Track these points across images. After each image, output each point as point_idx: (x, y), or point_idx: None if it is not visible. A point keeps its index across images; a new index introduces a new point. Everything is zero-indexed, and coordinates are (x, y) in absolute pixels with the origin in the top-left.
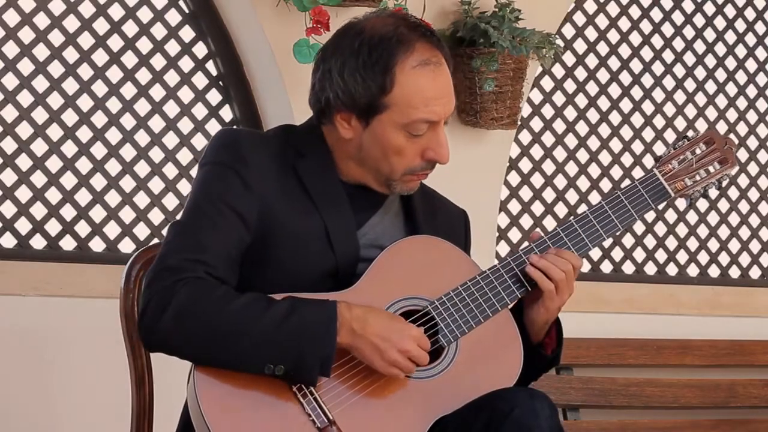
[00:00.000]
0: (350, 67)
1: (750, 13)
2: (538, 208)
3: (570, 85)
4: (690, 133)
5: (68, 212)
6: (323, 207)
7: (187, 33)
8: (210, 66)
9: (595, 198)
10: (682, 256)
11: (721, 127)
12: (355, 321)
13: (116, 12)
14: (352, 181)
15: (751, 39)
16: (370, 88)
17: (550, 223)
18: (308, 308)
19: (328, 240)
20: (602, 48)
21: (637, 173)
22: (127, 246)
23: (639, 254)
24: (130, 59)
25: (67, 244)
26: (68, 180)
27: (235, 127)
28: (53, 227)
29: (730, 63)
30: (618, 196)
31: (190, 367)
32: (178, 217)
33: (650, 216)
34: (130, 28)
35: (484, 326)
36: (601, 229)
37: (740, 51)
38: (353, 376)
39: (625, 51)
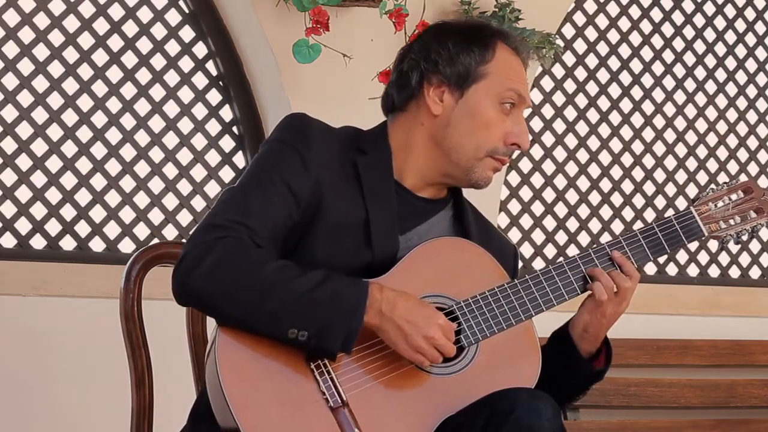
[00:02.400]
0: (453, 40)
1: (750, 13)
2: (538, 208)
3: (570, 85)
4: (727, 180)
5: (68, 212)
6: (372, 204)
7: (187, 33)
8: (210, 66)
9: (595, 198)
10: (682, 256)
11: (721, 127)
12: (385, 302)
13: (116, 12)
14: (411, 185)
15: (751, 39)
16: (473, 55)
17: (550, 223)
18: (341, 281)
19: (368, 236)
20: (602, 48)
21: (637, 173)
22: (127, 246)
23: None
24: (130, 59)
25: (67, 244)
26: (68, 180)
27: (305, 114)
28: (53, 227)
29: (730, 63)
30: (652, 228)
31: (210, 346)
32: (235, 183)
33: (650, 216)
34: (130, 28)
35: (507, 334)
36: (632, 257)
37: (740, 51)
38: (373, 361)
39: (625, 51)
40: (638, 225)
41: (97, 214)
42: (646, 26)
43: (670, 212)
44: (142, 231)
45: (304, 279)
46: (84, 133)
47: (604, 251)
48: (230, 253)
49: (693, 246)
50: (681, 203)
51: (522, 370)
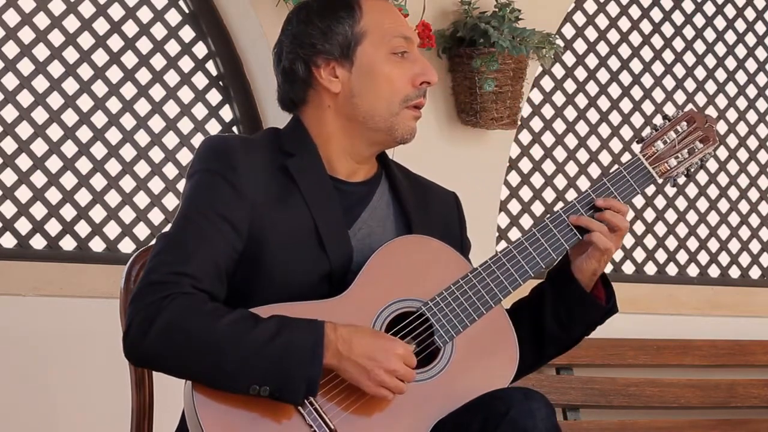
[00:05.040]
0: (317, 16)
1: (750, 13)
2: (538, 208)
3: (570, 85)
4: (670, 112)
5: (68, 212)
6: (315, 208)
7: (187, 33)
8: (210, 66)
9: None
10: (682, 256)
11: (721, 128)
12: (341, 342)
13: (116, 12)
14: (345, 174)
15: (751, 39)
16: (343, 20)
17: None
18: (295, 328)
19: (321, 243)
20: (602, 48)
21: None
22: (127, 246)
23: (639, 254)
24: (130, 59)
25: (67, 244)
26: (68, 180)
27: (219, 133)
28: (53, 227)
29: (730, 63)
30: (604, 184)
31: (186, 399)
32: (167, 228)
33: (650, 216)
34: (130, 28)
35: (479, 324)
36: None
37: (740, 51)
38: (350, 385)
39: (625, 51)
40: (637, 224)
41: (97, 214)
42: (646, 26)
43: (670, 213)
44: (142, 231)
45: (258, 331)
46: (84, 133)
47: (560, 219)
48: (178, 315)
49: (693, 246)
50: (681, 203)
51: (501, 357)
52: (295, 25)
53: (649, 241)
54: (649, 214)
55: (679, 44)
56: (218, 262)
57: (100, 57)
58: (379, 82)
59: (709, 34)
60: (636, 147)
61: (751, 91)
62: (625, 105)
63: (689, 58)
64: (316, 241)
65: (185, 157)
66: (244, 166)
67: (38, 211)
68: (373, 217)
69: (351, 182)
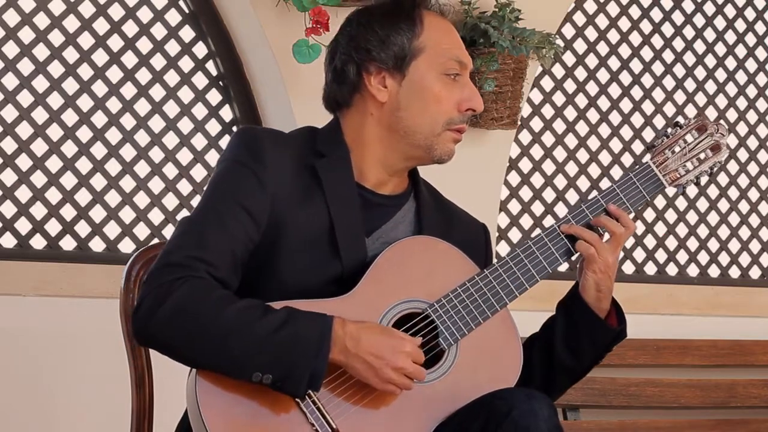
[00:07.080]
0: (378, 23)
1: (750, 13)
2: (538, 208)
3: (570, 85)
4: (681, 120)
5: (68, 212)
6: (335, 209)
7: (187, 33)
8: (210, 66)
9: None
10: (682, 256)
11: None
12: (348, 338)
13: (116, 12)
14: (374, 183)
15: (751, 39)
16: (402, 32)
17: (550, 223)
18: (303, 321)
19: (335, 245)
20: (602, 48)
21: None
22: (127, 246)
23: (639, 254)
24: (130, 59)
25: (67, 244)
26: (68, 180)
27: (256, 126)
28: (53, 227)
29: (730, 63)
30: (614, 190)
31: (189, 371)
32: (190, 212)
33: (650, 216)
34: (130, 28)
35: (484, 327)
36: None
37: (740, 51)
38: (355, 384)
39: (625, 51)
40: (638, 225)
41: (97, 214)
42: (646, 26)
43: (670, 213)
44: (142, 231)
45: (266, 320)
46: (84, 133)
47: (570, 223)
48: (189, 298)
49: (693, 246)
50: (681, 203)
51: (505, 361)
52: (355, 28)
53: (649, 241)
54: (649, 214)
55: (679, 44)
56: (235, 251)
57: (100, 57)
58: (427, 101)
59: (709, 34)
60: (643, 152)
61: (751, 91)
62: (625, 105)
63: (689, 58)
64: (330, 243)
65: (185, 157)
66: (272, 160)
67: (38, 211)
68: (394, 231)
69: (378, 193)
